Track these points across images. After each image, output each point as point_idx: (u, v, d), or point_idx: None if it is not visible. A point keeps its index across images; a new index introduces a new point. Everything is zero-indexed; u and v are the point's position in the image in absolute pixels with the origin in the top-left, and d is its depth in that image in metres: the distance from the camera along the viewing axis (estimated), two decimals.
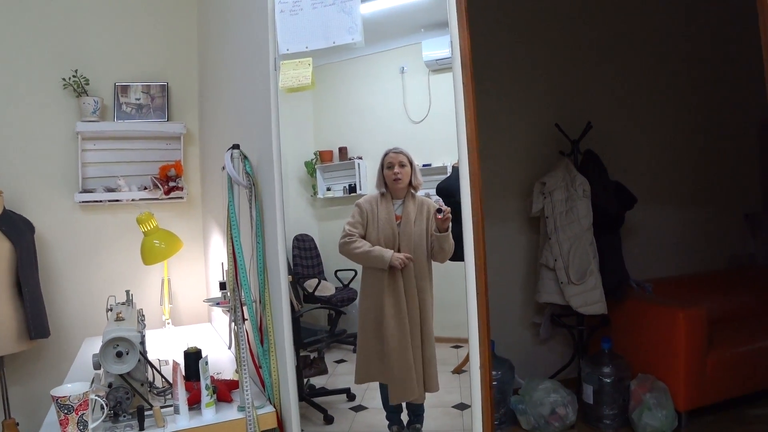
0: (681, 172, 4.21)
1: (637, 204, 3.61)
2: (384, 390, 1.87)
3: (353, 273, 1.96)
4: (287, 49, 1.71)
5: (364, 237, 1.82)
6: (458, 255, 1.78)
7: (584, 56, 3.91)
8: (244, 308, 1.91)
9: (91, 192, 3.21)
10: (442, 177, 1.85)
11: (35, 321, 2.82)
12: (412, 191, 1.84)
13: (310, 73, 1.67)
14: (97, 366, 1.80)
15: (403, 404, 1.86)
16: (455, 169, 1.78)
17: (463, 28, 1.75)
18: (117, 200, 3.25)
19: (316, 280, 2.04)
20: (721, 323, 3.61)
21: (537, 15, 3.80)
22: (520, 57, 3.73)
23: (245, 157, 1.92)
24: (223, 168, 1.92)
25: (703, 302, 3.38)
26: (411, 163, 1.82)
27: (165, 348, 2.65)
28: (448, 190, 1.80)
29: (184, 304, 3.41)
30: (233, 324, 1.90)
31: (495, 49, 3.57)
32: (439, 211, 1.73)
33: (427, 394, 1.82)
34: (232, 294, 1.90)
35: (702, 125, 4.28)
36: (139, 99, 3.34)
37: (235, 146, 1.91)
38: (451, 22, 1.72)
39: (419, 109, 1.85)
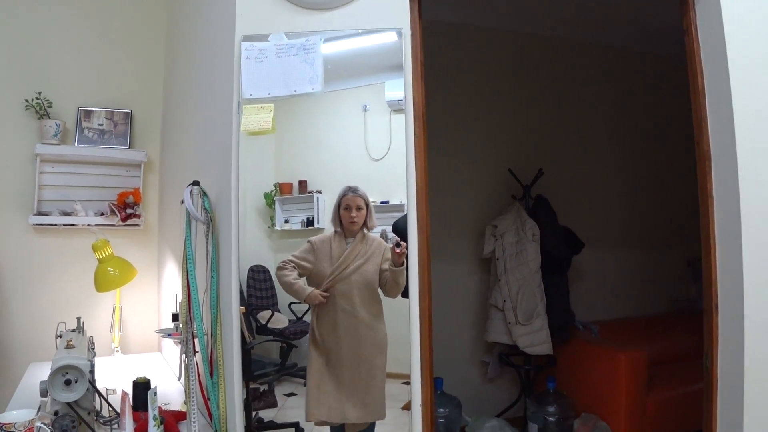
0: (628, 219, 4.40)
1: (585, 248, 3.76)
2: (334, 429, 1.90)
3: (307, 306, 1.98)
4: (250, 94, 1.79)
5: (310, 272, 1.87)
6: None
7: (537, 107, 4.09)
8: (196, 340, 1.94)
9: (47, 215, 3.18)
10: (400, 214, 1.88)
11: None
12: (365, 230, 1.90)
13: (271, 118, 1.74)
14: (44, 393, 1.79)
15: None
16: None
17: (417, 81, 1.85)
18: (72, 224, 3.23)
19: (269, 312, 2.04)
20: (661, 365, 3.74)
21: (492, 65, 3.98)
22: (476, 103, 3.88)
23: (204, 194, 1.97)
24: (182, 202, 1.96)
25: (645, 345, 3.52)
26: (367, 206, 1.88)
27: (113, 376, 2.63)
28: (404, 228, 1.86)
29: (134, 333, 3.37)
30: (184, 356, 1.92)
31: (451, 95, 3.71)
32: (397, 245, 1.78)
33: (377, 426, 1.86)
34: (185, 326, 1.92)
35: (649, 175, 4.49)
36: (102, 125, 3.35)
37: (195, 183, 1.96)
38: (406, 76, 1.82)
39: (380, 146, 1.88)
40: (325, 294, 1.83)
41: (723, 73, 1.90)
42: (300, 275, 1.87)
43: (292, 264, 1.86)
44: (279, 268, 1.87)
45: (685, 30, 2.07)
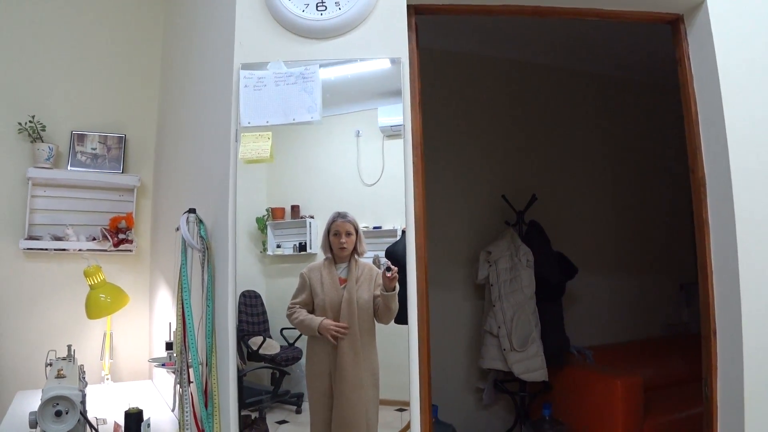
0: (621, 244, 4.42)
1: (579, 273, 3.76)
2: None
3: (299, 332, 1.96)
4: (249, 122, 1.78)
5: (312, 303, 1.85)
6: (404, 318, 1.83)
7: (531, 133, 4.13)
8: (191, 370, 1.91)
9: (38, 239, 3.14)
10: (392, 240, 1.86)
11: None
12: (356, 256, 1.88)
13: (269, 146, 1.74)
14: (33, 424, 1.75)
15: None
16: (405, 233, 1.84)
17: (415, 110, 1.86)
18: (63, 249, 3.19)
19: (260, 338, 2.01)
20: (656, 390, 3.74)
21: (486, 92, 4.01)
22: (469, 130, 3.91)
23: (200, 221, 1.96)
24: (177, 229, 1.94)
25: (640, 370, 3.51)
26: (357, 231, 1.87)
27: (104, 406, 2.58)
28: (397, 254, 1.85)
29: (125, 360, 3.32)
30: (178, 386, 1.89)
31: (445, 121, 3.73)
32: (388, 269, 1.75)
33: None
34: (179, 356, 1.90)
35: (640, 201, 4.53)
36: (95, 149, 3.34)
37: (192, 210, 1.94)
38: (405, 106, 1.83)
39: (372, 172, 1.87)
40: (342, 325, 1.80)
41: (716, 102, 1.92)
42: (309, 312, 1.85)
43: (298, 305, 1.84)
44: (288, 315, 1.85)
45: (678, 60, 2.09)
